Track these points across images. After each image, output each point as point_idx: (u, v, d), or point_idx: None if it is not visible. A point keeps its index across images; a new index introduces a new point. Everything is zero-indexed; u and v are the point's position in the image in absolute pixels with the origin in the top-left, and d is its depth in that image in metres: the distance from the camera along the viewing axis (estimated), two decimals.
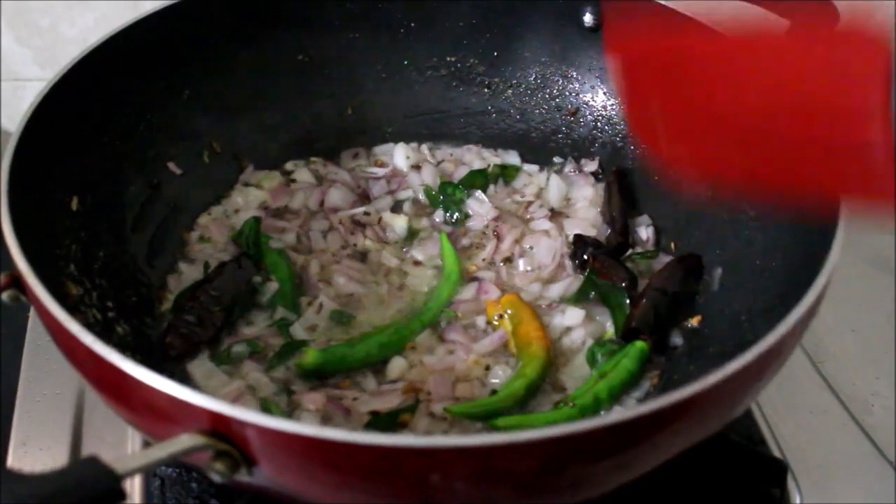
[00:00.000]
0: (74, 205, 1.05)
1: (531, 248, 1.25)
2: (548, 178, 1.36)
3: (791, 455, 1.11)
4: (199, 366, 1.06)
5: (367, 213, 1.29)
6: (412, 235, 1.28)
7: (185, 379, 1.05)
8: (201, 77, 1.25)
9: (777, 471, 1.08)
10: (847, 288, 1.28)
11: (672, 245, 1.24)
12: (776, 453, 1.11)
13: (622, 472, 0.79)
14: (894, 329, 1.30)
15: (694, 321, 1.12)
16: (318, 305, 1.14)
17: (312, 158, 1.37)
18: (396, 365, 1.09)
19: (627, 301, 1.14)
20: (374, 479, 0.71)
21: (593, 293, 1.18)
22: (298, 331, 1.12)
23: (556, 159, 1.39)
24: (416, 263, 1.24)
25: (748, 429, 1.13)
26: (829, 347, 1.27)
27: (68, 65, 1.05)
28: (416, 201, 1.33)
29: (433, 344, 1.12)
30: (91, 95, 1.09)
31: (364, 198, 1.33)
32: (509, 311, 1.14)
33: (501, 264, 1.23)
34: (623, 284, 1.15)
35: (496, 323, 1.14)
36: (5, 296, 0.86)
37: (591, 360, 1.10)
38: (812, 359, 1.25)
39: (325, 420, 1.02)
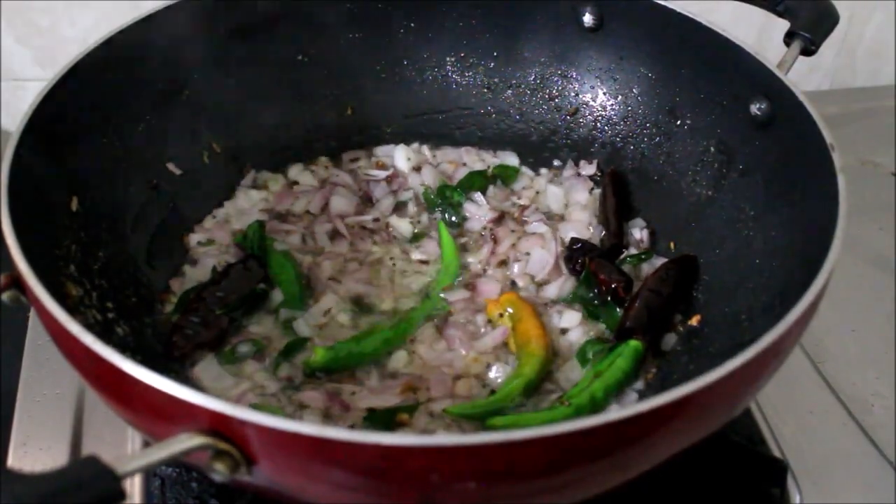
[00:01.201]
0: (74, 205, 1.05)
1: (527, 253, 1.25)
2: (547, 182, 1.36)
3: (791, 455, 1.11)
4: (207, 368, 1.06)
5: (375, 220, 1.29)
6: (416, 237, 1.28)
7: (193, 382, 1.05)
8: (201, 77, 1.25)
9: (777, 471, 1.08)
10: (847, 288, 1.28)
11: (671, 245, 1.24)
12: (776, 453, 1.11)
13: (622, 470, 0.79)
14: (894, 329, 1.30)
15: (694, 321, 1.12)
16: (325, 306, 1.15)
17: (314, 160, 1.37)
18: (398, 357, 1.10)
19: (619, 310, 1.15)
20: (374, 479, 0.71)
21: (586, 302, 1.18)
22: (302, 327, 1.12)
23: (556, 163, 1.39)
24: (421, 262, 1.24)
25: (748, 429, 1.13)
26: (829, 347, 1.27)
27: (68, 65, 1.05)
28: (417, 202, 1.33)
29: (433, 339, 1.13)
30: (91, 95, 1.09)
31: (366, 200, 1.33)
32: (510, 310, 1.14)
33: (497, 267, 1.24)
34: (621, 286, 1.16)
35: (496, 321, 1.15)
36: (5, 296, 0.86)
37: (583, 358, 1.10)
38: (812, 359, 1.25)
39: (324, 416, 1.02)
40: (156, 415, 0.74)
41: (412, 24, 1.38)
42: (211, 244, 1.23)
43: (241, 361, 1.08)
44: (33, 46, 1.61)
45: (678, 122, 1.27)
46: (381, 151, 1.40)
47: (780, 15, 1.19)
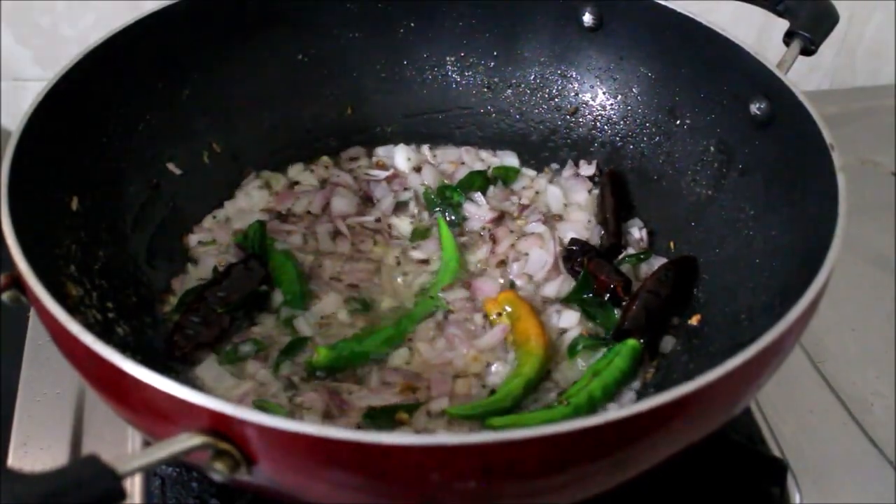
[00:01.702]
0: (74, 205, 1.05)
1: (526, 253, 1.25)
2: (547, 183, 1.36)
3: (791, 455, 1.11)
4: (208, 368, 1.07)
5: (376, 220, 1.29)
6: (417, 237, 1.28)
7: (194, 382, 1.05)
8: (201, 77, 1.25)
9: (777, 470, 1.08)
10: (847, 288, 1.28)
11: (671, 245, 1.24)
12: (776, 453, 1.11)
13: (622, 470, 0.79)
14: (894, 329, 1.30)
15: (694, 320, 1.12)
16: (326, 305, 1.15)
17: (314, 160, 1.37)
18: (399, 355, 1.10)
19: (617, 311, 1.15)
20: (374, 478, 0.71)
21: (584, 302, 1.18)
22: (303, 326, 1.13)
23: (554, 165, 1.39)
24: (422, 262, 1.25)
25: (748, 428, 1.13)
26: (829, 347, 1.27)
27: (68, 65, 1.05)
28: (418, 202, 1.33)
29: (434, 337, 1.13)
30: (91, 95, 1.09)
31: (366, 200, 1.33)
32: (508, 308, 1.14)
33: (496, 267, 1.24)
34: (620, 286, 1.16)
35: (495, 319, 1.15)
36: (5, 296, 0.86)
37: (573, 351, 1.11)
38: (812, 358, 1.25)
39: (324, 415, 1.02)
40: (156, 414, 0.74)
41: (412, 24, 1.38)
42: (211, 244, 1.23)
43: (242, 361, 1.08)
44: (33, 46, 1.61)
45: (678, 122, 1.27)
46: (381, 151, 1.40)
47: (780, 15, 1.19)
